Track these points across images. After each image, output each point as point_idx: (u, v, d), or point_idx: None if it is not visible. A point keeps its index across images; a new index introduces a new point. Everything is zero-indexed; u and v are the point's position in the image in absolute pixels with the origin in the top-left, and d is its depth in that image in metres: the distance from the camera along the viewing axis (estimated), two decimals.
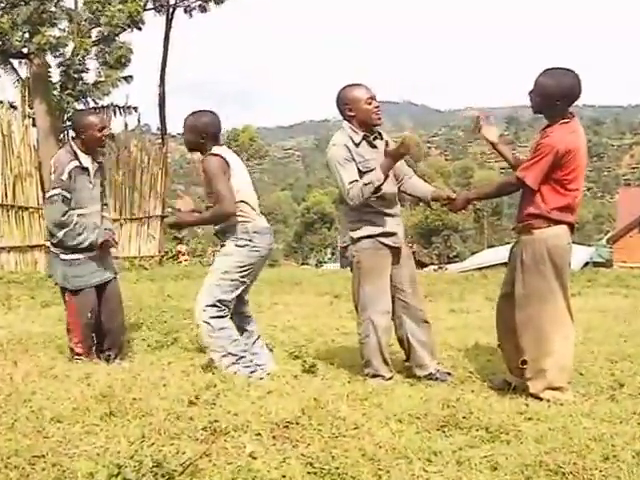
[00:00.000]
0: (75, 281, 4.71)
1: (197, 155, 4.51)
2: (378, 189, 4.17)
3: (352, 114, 4.30)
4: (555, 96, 3.83)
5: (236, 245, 4.31)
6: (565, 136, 3.81)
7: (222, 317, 4.30)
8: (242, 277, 4.33)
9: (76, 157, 4.67)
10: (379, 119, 4.33)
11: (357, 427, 2.95)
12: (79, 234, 4.65)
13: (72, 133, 4.90)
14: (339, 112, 4.39)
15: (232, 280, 4.30)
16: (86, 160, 4.72)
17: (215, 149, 4.35)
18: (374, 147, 4.34)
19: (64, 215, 4.60)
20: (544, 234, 3.88)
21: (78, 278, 4.71)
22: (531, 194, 3.89)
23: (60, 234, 4.63)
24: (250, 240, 4.31)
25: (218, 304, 4.28)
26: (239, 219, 4.31)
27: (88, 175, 4.73)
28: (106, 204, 5.08)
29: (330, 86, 4.36)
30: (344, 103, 4.33)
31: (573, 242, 4.04)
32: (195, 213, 4.59)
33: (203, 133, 4.36)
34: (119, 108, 18.36)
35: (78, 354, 4.69)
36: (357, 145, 4.27)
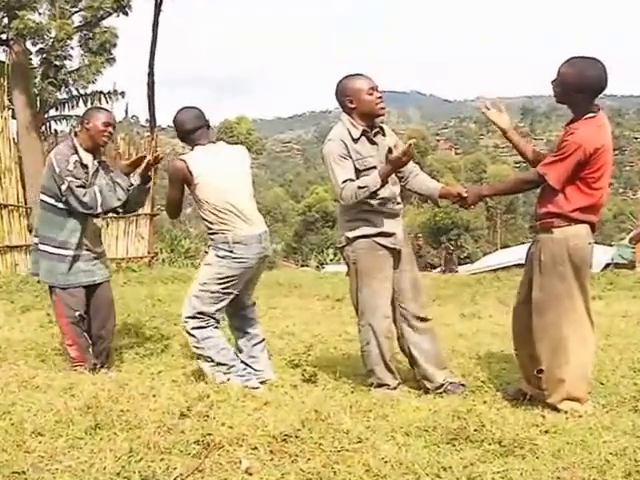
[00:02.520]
0: (63, 278, 4.73)
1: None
2: (373, 195, 4.19)
3: (353, 106, 4.29)
4: (576, 87, 3.80)
5: (216, 255, 4.39)
6: (592, 133, 3.78)
7: (205, 327, 4.39)
8: (224, 289, 4.37)
9: (76, 152, 4.71)
10: (382, 110, 4.33)
11: (361, 441, 2.95)
12: (107, 197, 4.72)
13: (77, 127, 4.95)
14: (339, 104, 4.40)
15: (212, 292, 4.37)
16: (86, 157, 4.76)
17: (196, 149, 4.45)
18: (374, 143, 4.33)
19: (85, 195, 4.64)
20: (564, 233, 3.86)
21: (66, 275, 4.73)
22: (552, 192, 3.87)
23: (99, 209, 4.72)
24: (231, 251, 4.34)
25: (199, 315, 4.38)
26: (218, 227, 4.37)
27: (87, 173, 4.75)
28: None
29: (332, 75, 4.37)
30: (345, 94, 4.32)
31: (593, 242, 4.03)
32: None
33: (180, 130, 4.54)
34: (105, 95, 18.36)
35: (73, 359, 4.71)
36: (355, 141, 4.27)
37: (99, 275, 4.90)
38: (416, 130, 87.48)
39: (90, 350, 4.80)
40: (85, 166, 4.74)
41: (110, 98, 18.39)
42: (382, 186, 4.17)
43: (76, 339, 4.73)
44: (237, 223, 4.37)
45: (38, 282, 5.01)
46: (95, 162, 4.84)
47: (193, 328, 4.37)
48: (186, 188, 4.44)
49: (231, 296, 4.43)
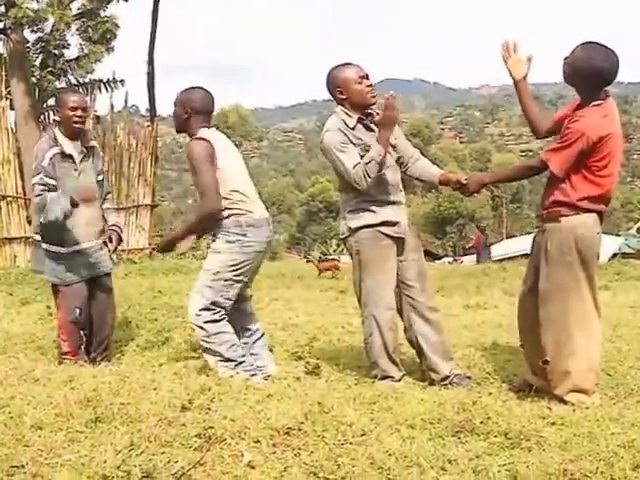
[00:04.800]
0: (64, 275, 4.74)
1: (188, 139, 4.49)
2: (382, 165, 4.16)
3: (344, 96, 4.29)
4: (583, 73, 3.78)
5: (227, 241, 4.29)
6: (597, 121, 3.76)
7: (218, 321, 4.30)
8: (236, 276, 4.32)
9: (57, 143, 4.67)
10: (373, 98, 4.32)
11: (365, 433, 2.95)
12: (52, 206, 4.56)
13: (56, 117, 4.89)
14: (330, 95, 4.39)
15: (225, 280, 4.29)
16: (69, 146, 4.71)
17: (202, 132, 4.33)
18: (371, 130, 4.32)
19: (37, 196, 4.61)
20: (571, 222, 3.85)
21: (67, 273, 4.74)
22: (559, 180, 3.86)
23: (42, 219, 4.62)
24: (243, 235, 4.27)
25: (212, 307, 4.28)
26: (231, 212, 4.29)
27: (73, 162, 4.72)
28: (108, 193, 5.18)
29: (335, 62, 4.34)
30: (335, 85, 4.32)
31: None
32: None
33: (188, 108, 4.36)
34: (104, 84, 18.31)
35: (64, 353, 4.73)
36: (352, 129, 4.27)
37: (100, 267, 4.90)
38: (420, 119, 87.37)
39: (82, 348, 4.79)
40: (69, 156, 4.71)
41: (109, 87, 18.34)
42: (385, 154, 4.15)
43: (70, 336, 4.74)
44: (248, 206, 4.34)
45: (48, 281, 4.98)
46: (82, 149, 4.81)
47: (206, 322, 4.26)
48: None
49: (241, 284, 4.37)
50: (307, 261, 13.12)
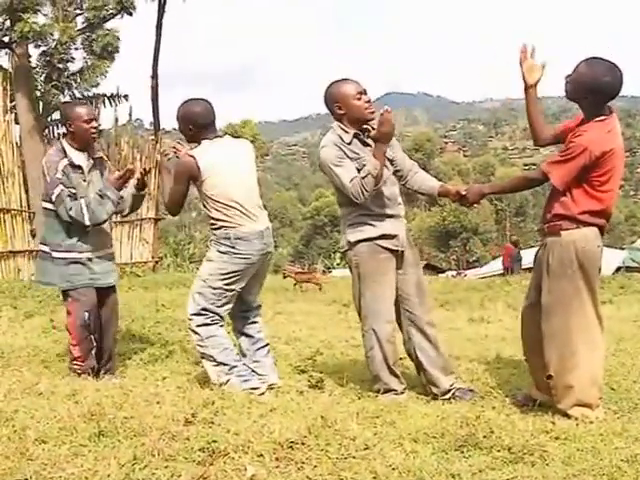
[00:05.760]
0: (75, 278, 4.76)
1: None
2: (379, 179, 4.17)
3: (342, 112, 4.32)
4: (588, 89, 3.79)
5: (218, 251, 4.41)
6: (600, 136, 3.77)
7: (210, 325, 4.42)
8: (227, 285, 4.40)
9: (66, 155, 4.71)
10: (372, 113, 4.33)
11: (368, 447, 2.95)
12: (95, 211, 4.67)
13: (62, 129, 4.95)
14: (329, 111, 4.42)
15: (214, 288, 4.39)
16: (78, 157, 4.76)
17: (201, 145, 4.43)
18: (367, 145, 4.34)
19: (71, 209, 4.64)
20: (572, 236, 3.86)
21: (78, 276, 4.76)
22: (559, 194, 3.88)
23: (87, 222, 4.66)
24: (232, 247, 4.37)
25: (203, 312, 4.41)
26: (221, 223, 4.39)
27: (82, 173, 4.76)
28: None
29: (339, 76, 4.38)
30: (333, 101, 4.35)
31: (604, 245, 4.02)
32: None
33: (190, 124, 4.46)
34: (109, 98, 18.37)
35: (75, 358, 4.75)
36: (349, 144, 4.30)
37: (112, 277, 4.96)
38: (423, 132, 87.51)
39: (93, 353, 4.81)
40: (78, 167, 4.74)
41: (113, 101, 18.41)
42: (382, 168, 4.17)
43: (81, 341, 4.75)
44: (240, 220, 4.39)
45: (60, 290, 4.98)
46: (90, 160, 4.85)
47: (198, 326, 4.41)
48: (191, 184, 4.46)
49: (234, 293, 4.45)
50: (284, 277, 13.16)
